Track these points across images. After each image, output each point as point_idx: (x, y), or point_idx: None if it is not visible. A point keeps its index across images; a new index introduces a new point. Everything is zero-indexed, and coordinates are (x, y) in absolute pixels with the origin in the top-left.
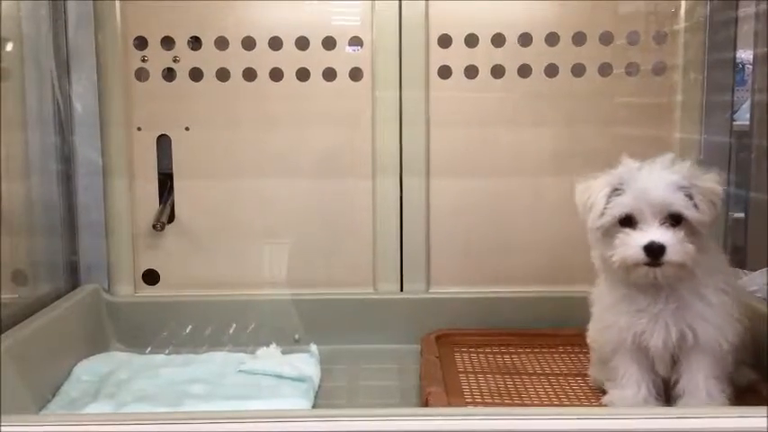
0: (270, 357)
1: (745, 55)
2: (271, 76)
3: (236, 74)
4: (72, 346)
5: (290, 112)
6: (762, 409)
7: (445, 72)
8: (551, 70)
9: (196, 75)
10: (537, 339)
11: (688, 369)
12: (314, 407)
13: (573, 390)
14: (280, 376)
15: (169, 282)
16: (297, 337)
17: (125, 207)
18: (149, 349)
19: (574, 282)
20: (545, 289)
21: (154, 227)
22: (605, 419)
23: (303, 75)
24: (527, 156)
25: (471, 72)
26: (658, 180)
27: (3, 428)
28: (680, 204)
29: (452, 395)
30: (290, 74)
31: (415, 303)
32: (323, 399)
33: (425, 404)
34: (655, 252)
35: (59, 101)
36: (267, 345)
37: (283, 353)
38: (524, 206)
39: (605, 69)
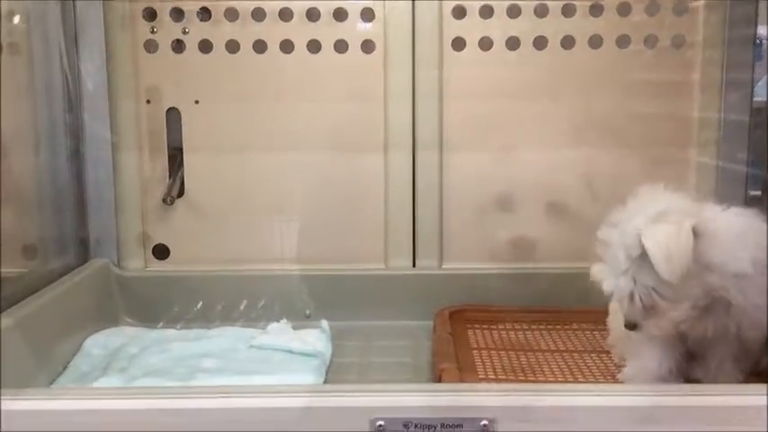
0: (281, 333)
1: (763, 30)
2: (281, 48)
3: (246, 46)
4: (82, 320)
5: (301, 84)
6: (762, 387)
7: (459, 44)
8: (568, 42)
9: (206, 47)
10: (551, 316)
11: (713, 350)
12: (325, 382)
13: (588, 366)
14: (291, 351)
15: (179, 256)
16: (308, 312)
17: (135, 181)
18: (160, 324)
19: (590, 258)
20: (560, 265)
21: (164, 201)
22: (615, 396)
23: (314, 47)
24: (542, 129)
25: (486, 44)
26: None
27: (13, 402)
28: None
29: (465, 371)
30: (300, 46)
31: (427, 279)
32: (334, 374)
33: (438, 380)
34: None
35: (68, 74)
36: (278, 320)
37: (294, 328)
38: (539, 181)
39: (623, 42)
